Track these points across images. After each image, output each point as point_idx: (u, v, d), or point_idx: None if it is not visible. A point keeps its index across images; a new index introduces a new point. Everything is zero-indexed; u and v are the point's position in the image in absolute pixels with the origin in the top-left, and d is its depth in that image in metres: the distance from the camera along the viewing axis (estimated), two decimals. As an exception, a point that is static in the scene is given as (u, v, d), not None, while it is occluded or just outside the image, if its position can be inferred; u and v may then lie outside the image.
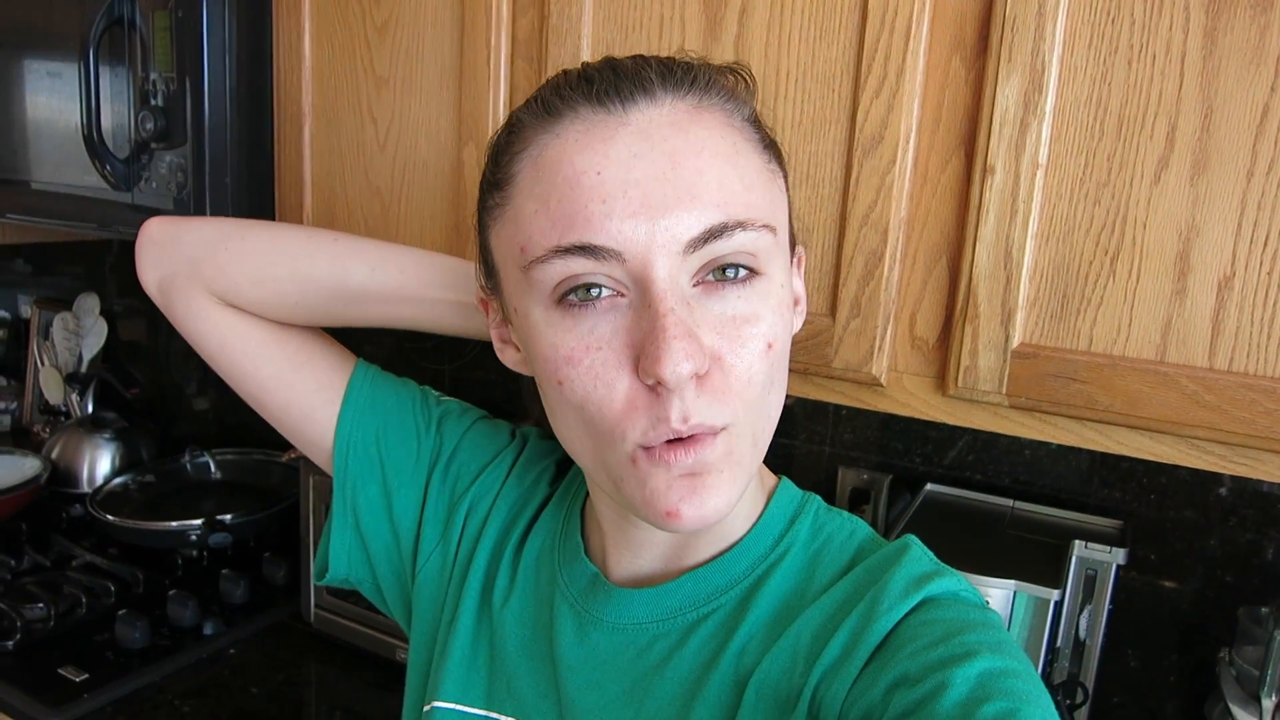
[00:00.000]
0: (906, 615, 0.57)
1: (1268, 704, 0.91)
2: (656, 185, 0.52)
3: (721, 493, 0.55)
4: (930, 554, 0.63)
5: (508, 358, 0.67)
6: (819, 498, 0.69)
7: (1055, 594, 0.93)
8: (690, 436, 0.53)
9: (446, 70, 1.08)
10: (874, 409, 0.90)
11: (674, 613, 0.64)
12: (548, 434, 0.79)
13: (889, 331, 0.87)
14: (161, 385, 2.04)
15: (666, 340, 0.51)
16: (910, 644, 0.54)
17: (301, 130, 1.20)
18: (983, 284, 0.81)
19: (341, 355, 0.82)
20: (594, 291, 0.53)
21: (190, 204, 1.19)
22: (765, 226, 0.55)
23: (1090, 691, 1.01)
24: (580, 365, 0.54)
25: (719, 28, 0.89)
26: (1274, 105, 0.69)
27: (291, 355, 0.79)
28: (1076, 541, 0.99)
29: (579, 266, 0.53)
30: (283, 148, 1.22)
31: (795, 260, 0.64)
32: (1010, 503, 1.15)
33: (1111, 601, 1.00)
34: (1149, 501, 1.12)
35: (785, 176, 0.62)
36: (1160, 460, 0.79)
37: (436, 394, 0.83)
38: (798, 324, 0.65)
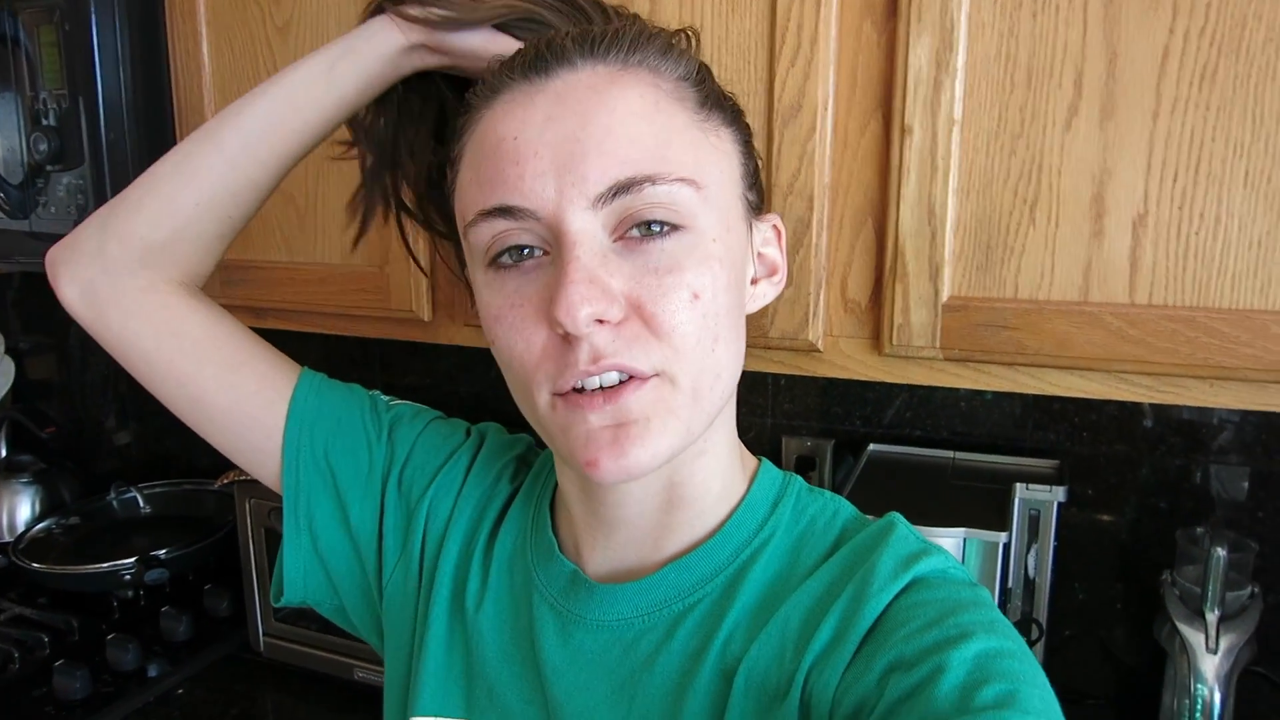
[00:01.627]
0: (897, 596, 0.56)
1: (1211, 618, 0.96)
2: (565, 144, 0.54)
3: (648, 445, 0.54)
4: (916, 532, 0.62)
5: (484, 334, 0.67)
6: (800, 478, 0.68)
7: (1003, 536, 0.96)
8: (611, 388, 0.54)
9: (354, 70, 1.05)
10: (813, 375, 0.92)
11: (659, 605, 0.63)
12: (510, 429, 0.78)
13: (822, 297, 0.88)
14: (79, 421, 1.96)
15: (566, 285, 0.52)
16: (903, 627, 0.53)
17: (206, 143, 1.16)
18: (909, 242, 0.83)
19: (283, 360, 0.79)
20: (525, 252, 0.56)
21: (94, 228, 1.14)
22: (683, 180, 0.55)
23: (1044, 627, 1.04)
24: (505, 322, 0.57)
25: (630, 4, 0.89)
26: (1173, 46, 0.72)
27: (230, 354, 0.75)
28: (1017, 484, 1.02)
29: (501, 226, 0.55)
30: (187, 162, 1.18)
31: (773, 230, 0.65)
32: (951, 454, 1.18)
33: (1056, 539, 1.03)
34: (1081, 439, 1.17)
35: (741, 136, 0.62)
36: (1091, 397, 0.82)
37: (387, 399, 0.81)
38: (770, 295, 0.66)
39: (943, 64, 0.79)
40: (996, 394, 1.19)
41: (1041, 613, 1.05)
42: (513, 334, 0.56)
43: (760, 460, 0.69)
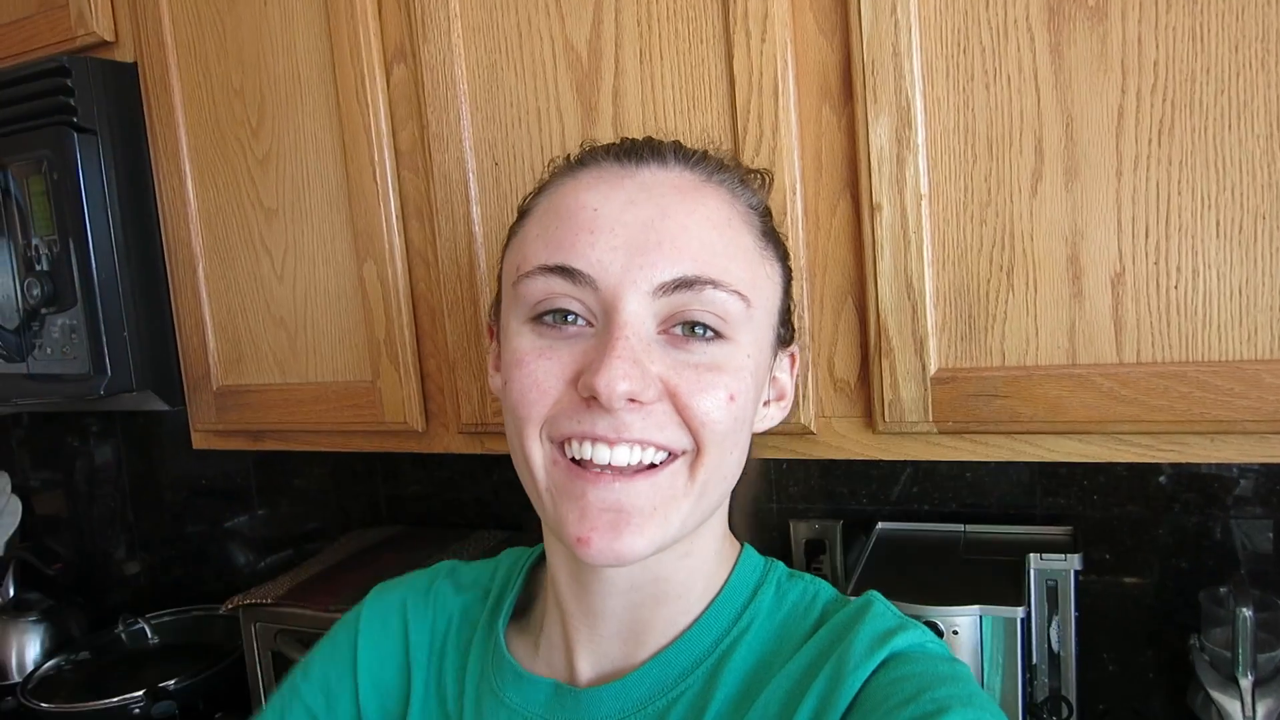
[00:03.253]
0: (874, 673, 0.56)
1: (1245, 683, 0.92)
2: (643, 229, 0.57)
3: (646, 533, 0.56)
4: (893, 609, 0.63)
5: (495, 384, 0.68)
6: (782, 564, 0.69)
7: (1020, 611, 0.93)
8: (621, 468, 0.55)
9: (334, 192, 1.08)
10: (810, 457, 0.90)
11: (643, 702, 0.63)
12: (512, 535, 0.77)
13: (810, 378, 0.87)
14: (87, 555, 1.95)
15: (610, 358, 0.54)
16: (882, 705, 0.54)
17: (195, 272, 1.18)
18: (891, 317, 0.82)
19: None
20: (568, 318, 0.58)
21: (89, 362, 1.15)
22: (738, 293, 0.58)
23: (1074, 704, 1.00)
24: (525, 368, 0.58)
25: (595, 112, 0.91)
26: (1127, 105, 0.73)
27: None
28: (1031, 555, 0.99)
29: (557, 286, 0.57)
30: (179, 293, 1.20)
31: (788, 356, 0.68)
32: (962, 528, 1.16)
33: (1077, 608, 1.00)
34: (1093, 503, 1.14)
35: (786, 276, 0.66)
36: (1092, 460, 0.80)
37: (302, 684, 0.78)
38: (776, 418, 0.68)
39: (904, 141, 0.79)
40: (1001, 463, 1.17)
41: (1070, 689, 1.00)
42: (530, 379, 0.58)
43: (743, 546, 0.70)
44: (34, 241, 1.16)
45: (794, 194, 0.85)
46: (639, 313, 0.56)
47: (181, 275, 1.19)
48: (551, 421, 0.57)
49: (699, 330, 0.58)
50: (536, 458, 0.58)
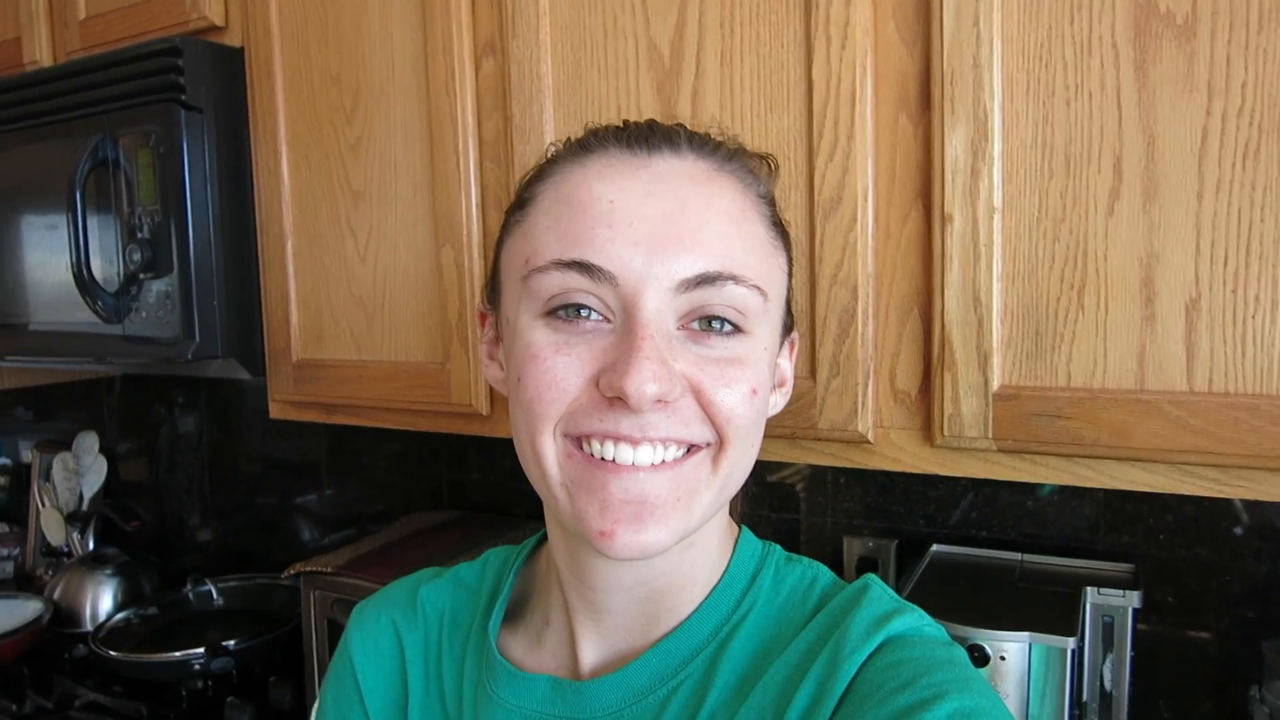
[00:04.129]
0: (870, 657, 0.56)
1: (1307, 739, 0.88)
2: (662, 224, 0.55)
3: (668, 524, 0.55)
4: (891, 592, 0.62)
5: (491, 373, 0.68)
6: (779, 547, 0.69)
7: (1070, 642, 0.90)
8: (649, 466, 0.55)
9: (419, 179, 1.11)
10: (864, 467, 0.90)
11: (643, 692, 0.62)
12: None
13: (870, 387, 0.87)
14: (164, 518, 2.03)
15: (638, 359, 0.53)
16: (878, 690, 0.53)
17: (284, 249, 1.23)
18: (956, 330, 0.82)
19: None
20: (583, 312, 0.56)
21: (179, 328, 1.21)
22: (757, 288, 0.57)
23: (1124, 746, 0.97)
24: (542, 363, 0.56)
25: (673, 110, 0.93)
26: (1211, 127, 0.71)
27: None
28: (1088, 589, 0.96)
29: (574, 282, 0.55)
30: (267, 267, 1.25)
31: (788, 343, 0.67)
32: (1019, 556, 1.13)
33: (1133, 649, 0.96)
34: (1159, 542, 1.10)
35: (789, 263, 0.65)
36: (1155, 490, 0.78)
37: None
38: (780, 404, 0.67)
39: (979, 153, 0.79)
40: (1066, 494, 1.14)
41: (1121, 729, 0.97)
42: (548, 377, 0.56)
43: (741, 528, 0.69)
44: (137, 210, 1.22)
45: (865, 201, 0.85)
46: (660, 309, 0.55)
47: (271, 251, 1.24)
48: (569, 418, 0.56)
49: (717, 325, 0.57)
50: (549, 453, 0.57)
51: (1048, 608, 0.98)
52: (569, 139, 0.63)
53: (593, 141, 0.60)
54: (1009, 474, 0.83)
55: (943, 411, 0.83)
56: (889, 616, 0.58)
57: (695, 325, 0.57)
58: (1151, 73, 0.73)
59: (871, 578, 0.63)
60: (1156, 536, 1.10)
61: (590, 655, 0.66)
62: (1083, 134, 0.76)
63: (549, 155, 0.63)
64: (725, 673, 0.61)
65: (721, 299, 0.56)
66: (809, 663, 0.57)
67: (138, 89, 1.22)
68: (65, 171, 1.25)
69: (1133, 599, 0.96)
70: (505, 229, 0.64)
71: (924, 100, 0.82)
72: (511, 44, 1.00)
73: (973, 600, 1.01)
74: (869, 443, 0.88)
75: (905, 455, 0.88)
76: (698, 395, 0.56)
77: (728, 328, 0.57)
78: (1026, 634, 0.92)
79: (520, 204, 0.62)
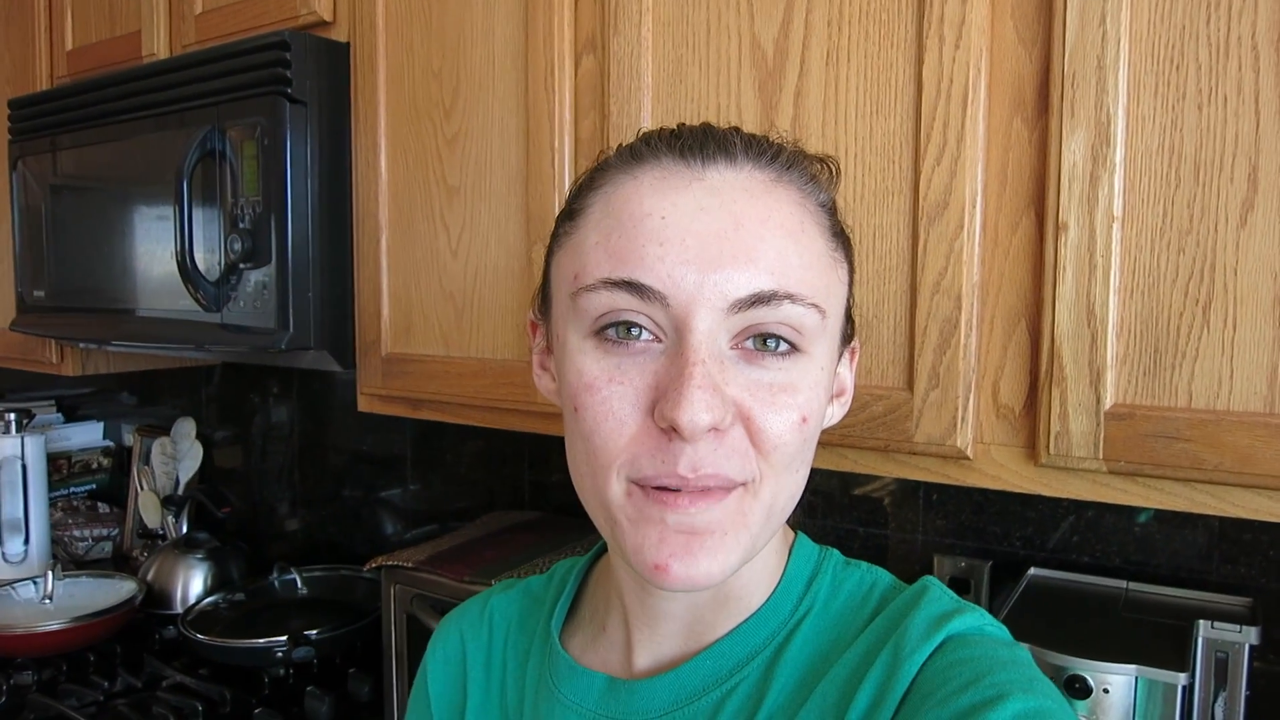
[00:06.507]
0: (930, 656, 0.55)
1: None
2: (715, 241, 0.53)
3: (719, 557, 0.54)
4: (950, 592, 0.61)
5: (543, 384, 0.67)
6: (837, 551, 0.67)
7: (1182, 678, 0.85)
8: (699, 490, 0.53)
9: (513, 175, 1.11)
10: (962, 484, 0.86)
11: (697, 693, 0.62)
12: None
13: (971, 401, 0.84)
14: (254, 505, 2.09)
15: (690, 388, 0.51)
16: (939, 690, 0.52)
17: (379, 243, 1.25)
18: (1066, 344, 0.78)
19: None
20: (633, 331, 0.55)
21: (275, 318, 1.23)
22: (814, 306, 0.55)
23: (1236, 793, 0.91)
24: (597, 394, 0.55)
25: (775, 111, 0.91)
26: (1362, 134, 0.66)
27: None
28: (1201, 621, 0.91)
29: (623, 302, 0.54)
30: (362, 261, 1.27)
31: (849, 351, 0.65)
32: (1124, 584, 1.07)
33: (1248, 688, 0.90)
34: (1279, 576, 1.03)
35: (850, 271, 0.62)
36: (1282, 521, 0.73)
37: None
38: (838, 415, 0.65)
39: (1099, 159, 0.75)
40: (1176, 520, 1.08)
41: (1233, 774, 0.91)
42: (604, 409, 0.54)
43: (797, 533, 0.68)
44: (240, 201, 1.25)
45: (973, 207, 0.81)
46: (712, 330, 0.53)
47: (366, 244, 1.26)
48: (631, 463, 0.54)
49: (772, 344, 0.54)
50: (615, 495, 0.55)
51: (1156, 640, 0.93)
52: (620, 145, 0.61)
53: (644, 150, 0.58)
54: (1119, 497, 0.79)
55: (1049, 429, 0.79)
56: (949, 615, 0.57)
57: (749, 344, 0.55)
58: (1295, 75, 0.68)
59: (930, 579, 0.62)
60: (1277, 569, 1.03)
61: (644, 659, 0.65)
62: (1215, 140, 0.71)
63: (600, 162, 0.61)
64: (783, 676, 0.60)
65: (777, 317, 0.54)
66: (868, 664, 0.56)
67: (246, 82, 1.25)
68: (175, 162, 1.29)
69: (1250, 635, 0.90)
70: (555, 239, 0.62)
71: (1041, 103, 0.79)
72: (612, 40, 1.00)
73: (1074, 628, 0.96)
74: (968, 459, 0.84)
75: (1006, 473, 0.84)
76: (746, 424, 0.54)
77: (784, 347, 0.55)
78: (1134, 667, 0.87)
79: (570, 214, 0.60)
